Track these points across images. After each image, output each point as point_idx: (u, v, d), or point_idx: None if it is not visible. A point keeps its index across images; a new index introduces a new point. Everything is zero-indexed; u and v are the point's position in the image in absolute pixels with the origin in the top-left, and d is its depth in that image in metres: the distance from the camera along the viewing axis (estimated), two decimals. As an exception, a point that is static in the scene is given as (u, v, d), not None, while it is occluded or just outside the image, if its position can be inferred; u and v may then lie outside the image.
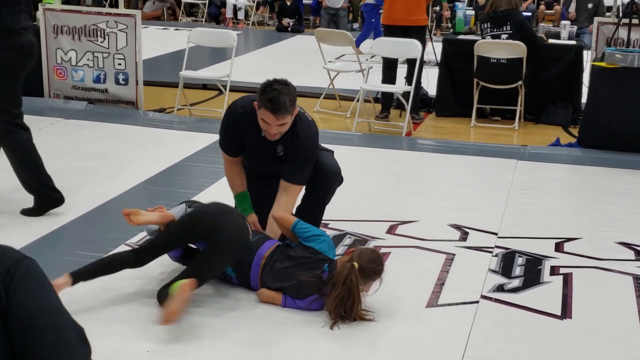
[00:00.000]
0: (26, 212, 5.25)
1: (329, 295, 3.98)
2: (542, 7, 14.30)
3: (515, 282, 4.56)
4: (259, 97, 4.28)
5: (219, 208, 4.23)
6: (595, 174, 6.82)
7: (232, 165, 4.71)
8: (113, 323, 3.87)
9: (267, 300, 4.17)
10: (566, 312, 4.22)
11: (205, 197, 5.68)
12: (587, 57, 8.78)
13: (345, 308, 3.95)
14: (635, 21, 8.13)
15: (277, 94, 4.22)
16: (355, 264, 3.97)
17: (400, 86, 8.53)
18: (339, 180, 4.82)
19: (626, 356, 3.82)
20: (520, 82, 8.26)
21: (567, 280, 4.62)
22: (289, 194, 4.57)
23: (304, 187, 4.69)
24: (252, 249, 4.19)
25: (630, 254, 5.04)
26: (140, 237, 4.96)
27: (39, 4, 8.63)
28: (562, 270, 4.75)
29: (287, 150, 4.54)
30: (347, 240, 5.08)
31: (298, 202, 4.73)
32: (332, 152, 4.90)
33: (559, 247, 5.11)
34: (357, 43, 10.83)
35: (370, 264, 4.05)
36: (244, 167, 4.75)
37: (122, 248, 4.78)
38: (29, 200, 5.28)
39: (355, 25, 15.73)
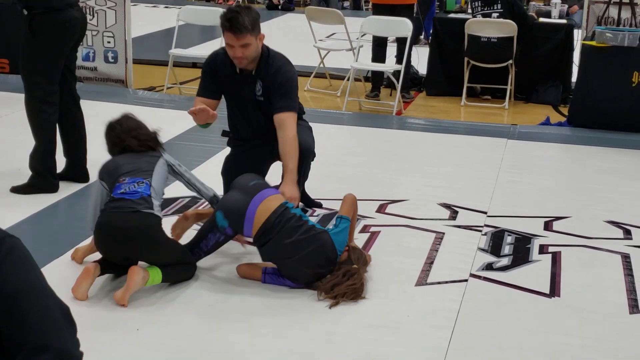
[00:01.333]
0: (16, 189, 5.27)
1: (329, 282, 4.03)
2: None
3: (504, 261, 4.58)
4: (220, 22, 4.47)
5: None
6: (585, 153, 6.83)
7: (199, 103, 4.67)
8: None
9: (246, 276, 4.19)
10: (555, 290, 4.24)
11: (196, 174, 5.69)
12: (578, 36, 8.77)
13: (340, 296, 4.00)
14: (625, 0, 8.12)
15: (235, 14, 4.42)
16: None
17: (390, 65, 8.50)
18: (312, 156, 4.83)
19: (614, 334, 3.84)
20: (510, 61, 8.25)
21: (556, 258, 4.64)
22: (286, 126, 4.56)
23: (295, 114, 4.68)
24: (247, 192, 4.18)
25: (619, 233, 5.06)
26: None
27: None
28: (550, 249, 4.76)
29: (266, 85, 4.59)
30: (337, 221, 5.06)
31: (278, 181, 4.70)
32: (309, 128, 4.96)
33: (548, 226, 5.12)
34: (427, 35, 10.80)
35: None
36: (230, 119, 4.94)
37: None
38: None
39: (346, 4, 15.63)
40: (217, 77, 4.71)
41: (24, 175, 5.35)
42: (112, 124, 4.41)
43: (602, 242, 4.89)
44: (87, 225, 4.28)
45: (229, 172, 4.84)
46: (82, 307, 3.73)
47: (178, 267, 4.09)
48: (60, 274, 4.01)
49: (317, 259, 4.05)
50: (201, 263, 4.25)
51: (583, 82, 7.49)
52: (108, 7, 8.19)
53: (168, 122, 7.03)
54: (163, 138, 6.44)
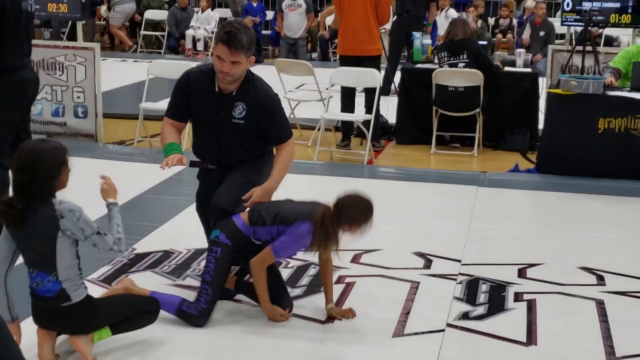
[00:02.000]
0: None
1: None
2: (499, 35, 14.47)
3: (480, 310, 4.56)
4: (217, 34, 4.31)
5: None
6: (554, 199, 6.86)
7: (167, 126, 4.60)
8: None
9: (258, 262, 4.13)
10: (531, 338, 4.22)
11: (165, 231, 5.64)
12: (543, 84, 8.88)
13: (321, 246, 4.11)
14: (588, 48, 8.23)
15: (235, 29, 4.29)
16: (331, 206, 4.12)
17: (360, 115, 8.53)
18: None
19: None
20: (478, 110, 8.32)
21: (531, 306, 4.62)
22: (286, 149, 4.59)
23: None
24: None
25: (592, 279, 5.07)
26: (100, 273, 4.88)
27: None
28: (525, 297, 4.75)
29: (251, 108, 4.43)
30: (312, 271, 5.02)
31: None
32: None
33: (521, 273, 5.11)
34: None
35: (347, 209, 4.12)
36: (196, 141, 4.69)
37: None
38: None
39: (315, 55, 15.72)
40: (189, 97, 4.52)
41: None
42: None
43: (575, 288, 4.88)
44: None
45: (202, 207, 4.76)
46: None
47: (133, 319, 3.88)
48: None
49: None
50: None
51: (549, 129, 7.55)
52: (78, 63, 8.17)
53: (139, 177, 7.00)
54: (134, 193, 6.48)
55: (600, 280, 5.04)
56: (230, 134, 4.50)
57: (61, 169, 3.63)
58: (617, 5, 8.80)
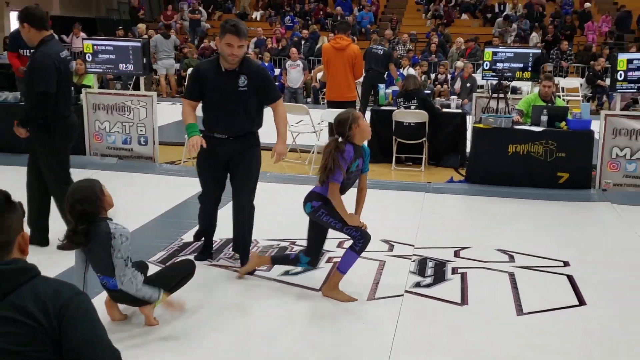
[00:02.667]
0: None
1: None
2: (438, 86, 14.49)
3: (428, 280, 4.57)
4: (223, 28, 4.26)
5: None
6: (479, 201, 6.87)
7: (189, 107, 4.45)
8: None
9: (330, 192, 4.09)
10: (464, 300, 4.24)
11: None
12: (469, 120, 8.90)
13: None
14: (501, 96, 8.27)
15: (237, 23, 4.29)
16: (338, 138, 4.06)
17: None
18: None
19: (505, 329, 3.84)
20: (424, 139, 8.32)
21: (464, 277, 4.64)
22: (279, 107, 4.55)
23: None
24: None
25: (506, 258, 5.08)
26: (158, 256, 4.87)
27: (82, 89, 8.53)
28: (459, 270, 4.76)
29: (252, 78, 4.36)
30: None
31: None
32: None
33: (456, 254, 5.12)
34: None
35: (340, 126, 4.07)
36: (208, 116, 4.47)
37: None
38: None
39: (309, 100, 15.69)
40: (202, 80, 4.37)
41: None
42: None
43: (494, 264, 4.90)
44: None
45: (208, 195, 4.72)
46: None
47: (179, 283, 3.85)
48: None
49: None
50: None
51: (474, 152, 7.57)
52: (140, 106, 8.15)
53: (185, 186, 6.99)
54: (181, 199, 6.45)
55: (512, 258, 5.06)
56: (237, 102, 4.37)
57: (101, 195, 3.52)
58: (521, 65, 8.90)
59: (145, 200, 6.55)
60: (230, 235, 4.93)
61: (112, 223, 3.49)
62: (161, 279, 3.76)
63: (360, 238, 4.09)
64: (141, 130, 8.20)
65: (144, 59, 8.08)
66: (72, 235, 3.43)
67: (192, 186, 6.90)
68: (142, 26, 17.91)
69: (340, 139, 4.07)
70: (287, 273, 4.59)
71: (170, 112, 12.68)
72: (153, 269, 4.11)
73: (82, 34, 17.14)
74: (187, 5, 21.00)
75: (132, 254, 3.53)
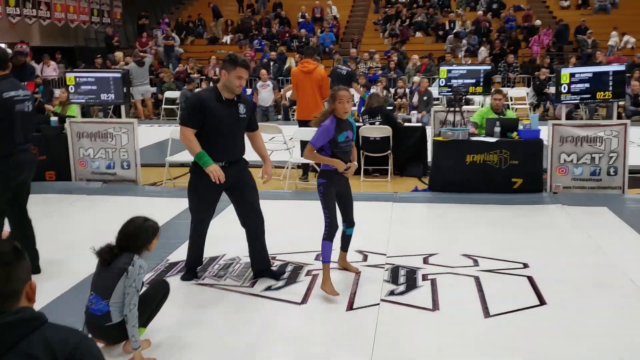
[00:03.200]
0: None
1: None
2: (398, 100, 14.56)
3: (401, 288, 4.55)
4: (232, 62, 4.34)
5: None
6: (442, 208, 6.88)
7: (192, 135, 4.35)
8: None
9: (306, 151, 4.54)
10: (435, 305, 4.23)
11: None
12: (429, 132, 8.95)
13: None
14: (456, 109, 8.34)
15: (244, 58, 4.47)
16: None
17: (312, 158, 8.49)
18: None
19: (475, 331, 3.84)
20: (389, 151, 8.35)
21: (434, 283, 4.63)
22: (259, 134, 4.77)
23: None
24: None
25: (471, 262, 5.09)
26: (147, 278, 4.77)
27: (67, 118, 8.38)
28: (429, 277, 4.74)
29: (247, 107, 4.53)
30: (289, 267, 4.97)
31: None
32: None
33: (425, 261, 5.10)
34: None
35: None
36: (209, 144, 4.40)
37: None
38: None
39: (280, 117, 15.64)
40: (203, 109, 4.31)
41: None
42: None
43: (460, 269, 4.90)
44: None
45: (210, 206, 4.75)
46: None
47: (155, 309, 3.67)
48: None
49: None
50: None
51: (435, 163, 7.61)
52: (122, 132, 8.03)
53: (167, 207, 6.89)
54: (164, 219, 6.35)
55: (476, 262, 5.06)
56: (237, 128, 4.47)
57: (153, 239, 3.60)
58: (473, 81, 8.99)
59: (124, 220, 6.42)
60: (212, 253, 4.88)
61: (140, 259, 3.48)
62: (140, 304, 3.53)
63: (327, 226, 4.42)
64: (124, 155, 8.08)
65: (124, 88, 7.97)
66: (107, 250, 3.49)
67: (174, 207, 6.83)
68: (119, 54, 17.71)
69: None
70: (269, 288, 4.54)
71: (149, 134, 12.55)
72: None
73: (53, 63, 17.22)
74: (160, 32, 20.82)
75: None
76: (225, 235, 5.79)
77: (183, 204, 6.99)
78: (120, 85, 7.93)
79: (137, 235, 3.52)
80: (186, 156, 9.32)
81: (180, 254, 5.29)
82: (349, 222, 4.74)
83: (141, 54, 16.82)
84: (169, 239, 5.72)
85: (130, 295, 3.37)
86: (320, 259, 4.50)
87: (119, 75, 8.03)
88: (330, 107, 4.45)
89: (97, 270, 3.54)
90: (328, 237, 4.41)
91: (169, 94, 16.57)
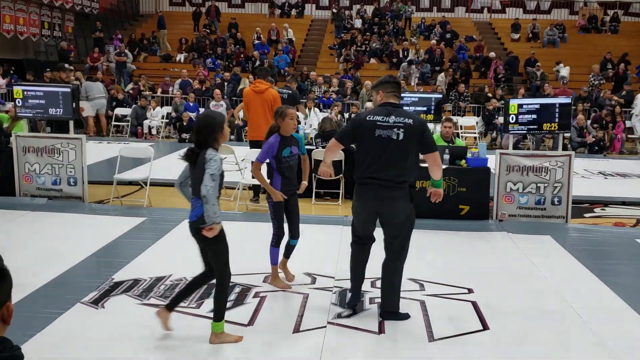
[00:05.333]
0: None
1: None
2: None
3: (348, 311, 4.58)
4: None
5: None
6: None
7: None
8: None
9: (253, 169, 4.97)
10: (381, 329, 4.29)
11: (135, 265, 5.47)
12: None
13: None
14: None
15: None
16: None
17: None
18: None
19: (419, 356, 3.90)
20: (341, 175, 8.44)
21: (380, 307, 4.63)
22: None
23: None
24: None
25: (417, 286, 5.18)
26: (90, 296, 4.69)
27: (12, 132, 8.20)
28: (376, 300, 4.77)
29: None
30: (237, 289, 4.96)
31: None
32: None
33: (373, 284, 5.12)
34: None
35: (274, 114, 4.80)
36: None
37: (78, 306, 4.48)
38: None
39: (233, 137, 15.60)
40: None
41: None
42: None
43: (407, 293, 4.94)
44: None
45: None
46: None
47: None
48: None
49: None
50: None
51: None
52: (70, 148, 7.89)
53: (114, 225, 6.79)
54: (111, 238, 6.25)
55: (422, 287, 5.15)
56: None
57: (222, 127, 3.82)
58: (425, 108, 9.20)
59: (75, 239, 6.32)
60: (159, 274, 4.84)
61: (213, 151, 3.74)
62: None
63: (274, 234, 4.91)
64: (70, 171, 7.94)
65: (74, 104, 7.86)
66: (189, 153, 3.79)
67: (121, 225, 6.75)
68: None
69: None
70: (216, 309, 4.51)
71: (97, 151, 12.36)
72: (92, 311, 3.94)
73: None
74: (113, 47, 20.59)
75: (218, 177, 3.72)
76: (172, 255, 5.76)
77: (130, 222, 6.95)
78: (70, 100, 7.81)
79: (206, 126, 3.78)
80: (136, 174, 9.27)
81: (125, 273, 5.23)
82: (294, 234, 5.11)
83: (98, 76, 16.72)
84: (114, 257, 5.66)
85: (206, 178, 3.65)
86: (270, 262, 5.00)
87: (68, 90, 7.91)
88: (277, 124, 4.73)
89: (189, 173, 3.89)
90: (276, 243, 4.95)
91: (119, 111, 16.37)
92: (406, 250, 4.48)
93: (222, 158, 3.80)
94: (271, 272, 5.06)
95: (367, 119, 4.30)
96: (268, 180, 4.92)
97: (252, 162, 4.90)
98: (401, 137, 4.19)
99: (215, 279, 3.89)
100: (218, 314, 3.91)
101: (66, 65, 13.07)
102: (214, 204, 3.67)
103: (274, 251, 4.98)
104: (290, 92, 9.94)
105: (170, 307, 4.04)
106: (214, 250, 3.84)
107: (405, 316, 4.46)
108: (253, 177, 8.47)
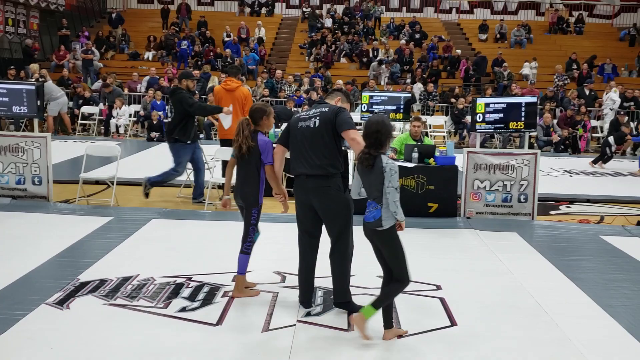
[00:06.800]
0: None
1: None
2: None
3: (318, 309, 4.59)
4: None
5: None
6: (361, 231, 6.88)
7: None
8: None
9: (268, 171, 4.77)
10: (351, 326, 4.28)
11: (101, 265, 5.37)
12: (351, 155, 9.03)
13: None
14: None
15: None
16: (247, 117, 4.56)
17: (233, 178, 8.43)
18: None
19: (387, 352, 3.92)
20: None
21: (350, 304, 4.67)
22: None
23: None
24: None
25: (387, 284, 5.18)
26: (55, 297, 4.60)
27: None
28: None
29: None
30: (205, 288, 4.91)
31: None
32: None
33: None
34: None
35: (256, 112, 4.60)
36: None
37: (42, 307, 4.39)
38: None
39: (202, 136, 15.47)
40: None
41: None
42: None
43: (376, 290, 4.82)
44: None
45: None
46: None
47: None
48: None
49: None
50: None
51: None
52: (35, 147, 7.74)
53: (79, 225, 6.67)
54: (77, 237, 6.14)
55: (392, 284, 5.17)
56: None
57: (392, 132, 3.97)
58: (394, 107, 9.25)
59: (40, 240, 6.19)
60: (125, 273, 4.77)
61: (385, 157, 3.89)
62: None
63: (251, 241, 4.75)
64: (35, 171, 7.79)
65: (38, 101, 7.70)
66: (366, 156, 3.91)
67: (87, 225, 6.64)
68: (34, 66, 17.11)
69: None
70: (184, 309, 4.47)
71: (63, 149, 12.15)
72: (57, 312, 3.86)
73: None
74: (79, 45, 20.26)
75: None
76: (139, 255, 5.68)
77: (96, 222, 6.84)
78: (34, 98, 7.66)
79: (377, 132, 3.89)
80: (102, 173, 9.13)
81: (91, 273, 5.14)
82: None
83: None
84: (79, 257, 5.56)
85: (392, 194, 3.88)
86: (237, 271, 4.74)
87: (32, 87, 7.76)
88: (260, 123, 4.64)
89: (361, 175, 4.04)
90: (247, 250, 4.74)
91: (85, 109, 16.12)
92: (347, 241, 4.55)
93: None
94: (236, 282, 4.77)
95: (295, 116, 4.57)
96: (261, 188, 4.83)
97: (267, 166, 4.69)
98: (317, 124, 4.36)
99: (394, 276, 4.05)
100: (379, 303, 3.99)
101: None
102: (398, 206, 3.95)
103: (243, 258, 4.72)
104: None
105: (389, 325, 4.09)
106: (391, 249, 4.03)
107: (355, 308, 4.46)
108: (224, 175, 8.51)
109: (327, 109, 4.40)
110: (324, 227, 4.57)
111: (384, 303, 4.03)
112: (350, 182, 4.57)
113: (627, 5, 25.02)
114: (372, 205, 3.99)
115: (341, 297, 4.51)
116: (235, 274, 4.87)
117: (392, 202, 3.89)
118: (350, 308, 4.44)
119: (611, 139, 12.81)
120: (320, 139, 4.33)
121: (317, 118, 4.36)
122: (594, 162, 12.61)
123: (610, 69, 20.22)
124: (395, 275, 4.02)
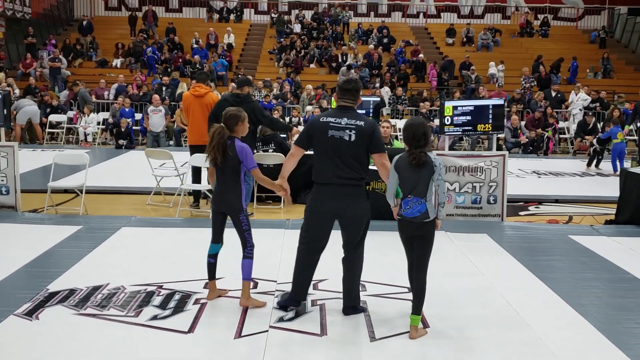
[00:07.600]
0: None
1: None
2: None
3: (290, 314, 4.58)
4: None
5: None
6: (334, 235, 6.87)
7: None
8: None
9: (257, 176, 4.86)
10: (323, 330, 4.28)
11: (71, 274, 5.29)
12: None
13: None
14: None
15: None
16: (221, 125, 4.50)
17: (204, 185, 8.40)
18: None
19: (361, 355, 3.93)
20: (282, 179, 8.39)
21: (322, 308, 4.69)
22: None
23: None
24: None
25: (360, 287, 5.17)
26: (24, 308, 4.51)
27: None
28: (318, 302, 4.80)
29: None
30: (177, 296, 4.86)
31: None
32: None
33: (315, 286, 5.12)
34: None
35: (230, 119, 4.54)
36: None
37: (11, 319, 4.30)
38: None
39: (171, 142, 15.35)
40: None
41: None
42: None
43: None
44: None
45: None
46: None
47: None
48: None
49: None
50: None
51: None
52: (2, 156, 7.61)
53: (48, 235, 6.55)
54: (45, 247, 6.03)
55: (364, 287, 5.12)
56: None
57: (429, 138, 4.15)
58: (363, 112, 9.23)
59: (8, 250, 6.07)
60: (95, 282, 4.70)
61: (431, 154, 4.12)
62: None
63: (252, 245, 4.66)
64: (2, 180, 7.65)
65: (5, 110, 7.56)
66: (420, 156, 4.08)
67: (55, 235, 6.53)
68: (0, 75, 16.78)
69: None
70: (155, 318, 4.42)
71: (31, 159, 11.94)
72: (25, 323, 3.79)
73: None
74: (47, 53, 19.94)
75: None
76: (109, 263, 5.61)
77: (65, 231, 6.73)
78: (1, 107, 7.51)
79: (425, 133, 4.11)
80: (71, 181, 8.98)
81: (61, 283, 5.05)
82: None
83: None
84: (48, 267, 5.47)
85: (441, 186, 4.13)
86: (243, 277, 4.66)
87: (-2, 96, 7.63)
88: (237, 129, 4.57)
89: (401, 173, 4.16)
90: (250, 254, 4.65)
91: (53, 117, 15.88)
92: (363, 247, 4.70)
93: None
94: (243, 289, 4.62)
95: (321, 120, 4.48)
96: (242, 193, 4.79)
97: (253, 171, 4.71)
98: (353, 138, 4.34)
99: (421, 269, 4.22)
100: (419, 306, 4.18)
101: None
102: (444, 200, 4.26)
103: (247, 264, 4.60)
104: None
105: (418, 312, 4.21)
106: (431, 241, 4.22)
107: (363, 310, 4.64)
108: (194, 182, 8.49)
109: (363, 123, 4.37)
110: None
111: (423, 302, 4.19)
112: None
113: (591, 8, 25.57)
114: (415, 200, 4.12)
115: (357, 302, 4.63)
116: (207, 281, 4.83)
117: (442, 193, 4.20)
118: (358, 311, 4.59)
119: (595, 140, 13.04)
120: (356, 153, 4.38)
121: (354, 132, 4.34)
122: (588, 164, 12.87)
123: (573, 71, 20.61)
124: (421, 268, 4.22)
